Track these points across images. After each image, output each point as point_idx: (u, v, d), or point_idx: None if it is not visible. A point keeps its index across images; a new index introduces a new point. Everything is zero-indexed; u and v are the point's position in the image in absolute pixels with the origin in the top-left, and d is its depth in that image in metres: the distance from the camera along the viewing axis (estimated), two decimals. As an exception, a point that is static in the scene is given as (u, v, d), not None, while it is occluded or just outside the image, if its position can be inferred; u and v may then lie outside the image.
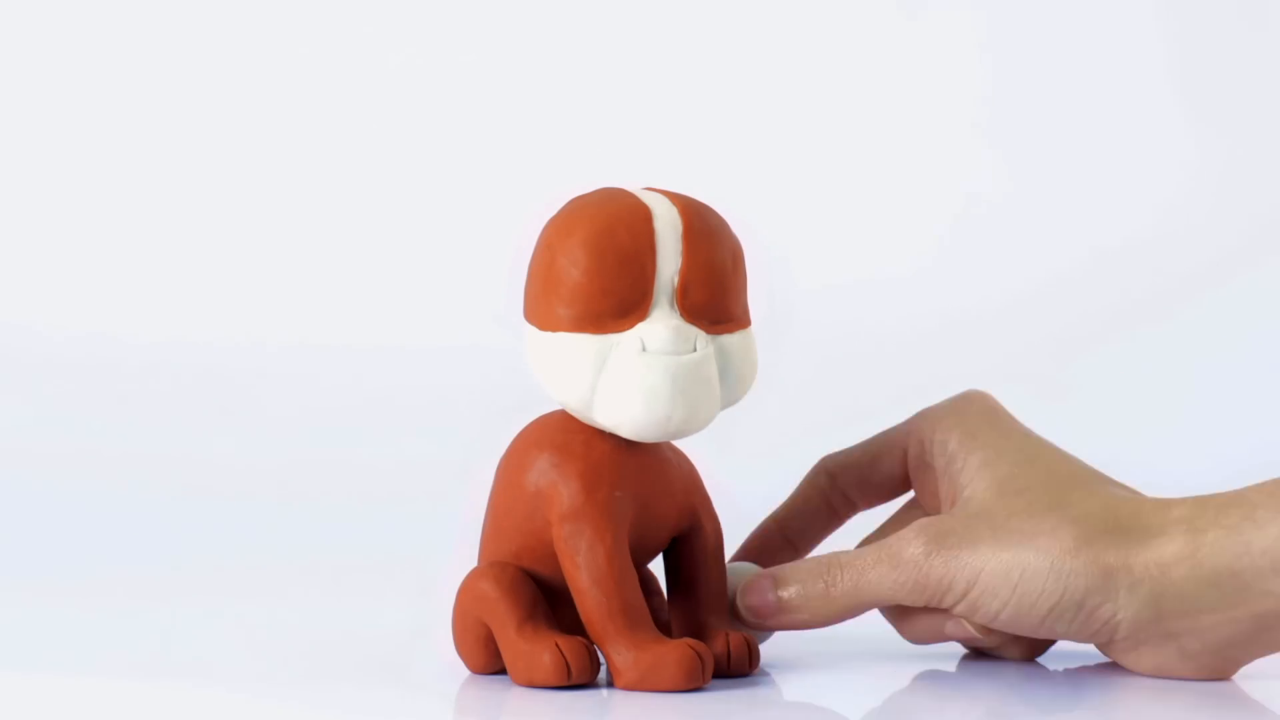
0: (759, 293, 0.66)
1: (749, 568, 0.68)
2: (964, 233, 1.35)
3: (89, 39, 1.37)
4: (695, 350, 0.63)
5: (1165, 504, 0.63)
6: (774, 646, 0.69)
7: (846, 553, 0.65)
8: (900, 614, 0.67)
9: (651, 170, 0.75)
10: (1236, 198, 1.35)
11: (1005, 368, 1.20)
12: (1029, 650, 0.67)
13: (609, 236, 0.63)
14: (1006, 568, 0.62)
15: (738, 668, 0.65)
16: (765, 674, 0.66)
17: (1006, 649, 0.67)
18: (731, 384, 0.64)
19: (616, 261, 0.63)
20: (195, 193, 1.36)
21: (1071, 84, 1.39)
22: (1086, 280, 1.33)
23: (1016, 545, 0.62)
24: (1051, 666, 0.68)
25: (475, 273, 1.13)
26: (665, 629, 0.67)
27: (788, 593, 0.65)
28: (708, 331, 0.63)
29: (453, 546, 0.72)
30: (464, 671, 0.67)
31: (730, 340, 0.64)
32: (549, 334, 0.63)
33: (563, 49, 1.39)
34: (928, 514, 0.67)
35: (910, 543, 0.63)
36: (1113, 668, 0.67)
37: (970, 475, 0.64)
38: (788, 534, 0.70)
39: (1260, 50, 1.37)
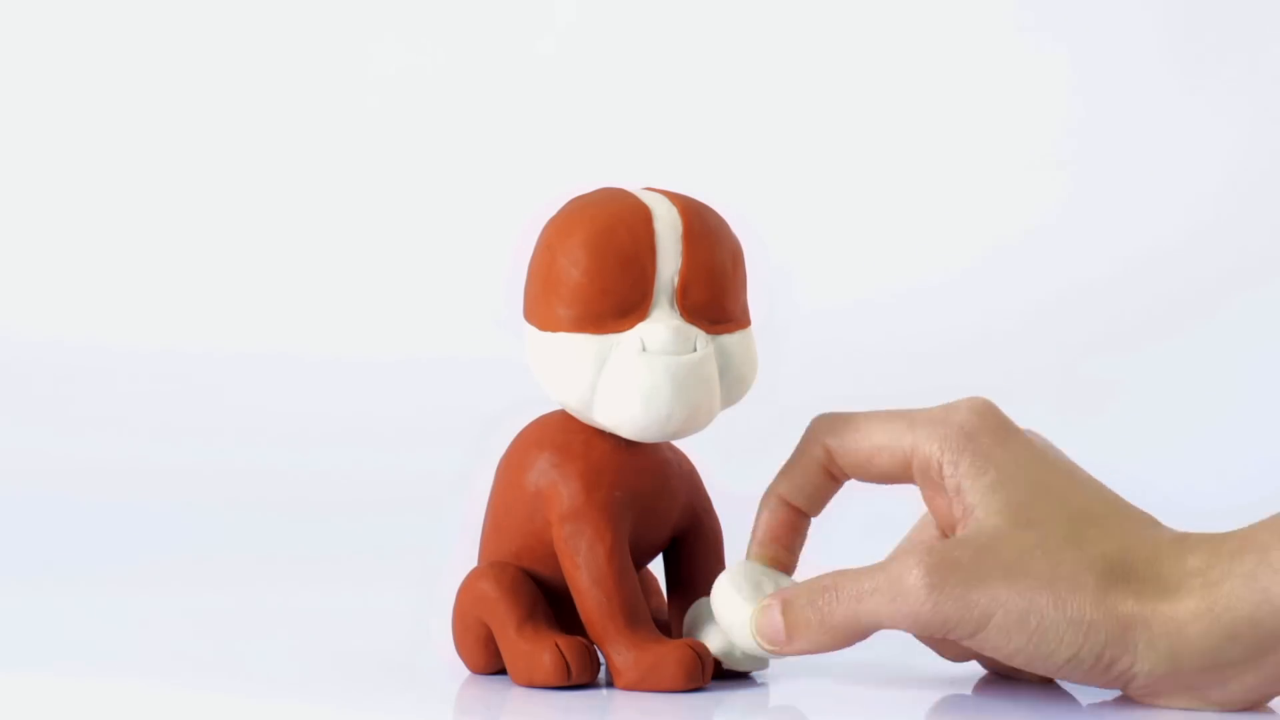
0: (759, 293, 0.66)
1: (726, 594, 0.63)
2: (974, 237, 1.35)
3: (79, 55, 1.37)
4: (695, 350, 0.63)
5: (1181, 547, 0.60)
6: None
7: (845, 576, 0.61)
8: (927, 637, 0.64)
9: (652, 170, 0.75)
10: (1270, 204, 1.35)
11: (1011, 374, 1.20)
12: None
13: (609, 237, 0.63)
14: (1022, 613, 0.58)
15: (739, 667, 0.65)
16: (765, 674, 0.66)
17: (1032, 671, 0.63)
18: (731, 384, 0.64)
19: (617, 262, 0.63)
20: (193, 200, 1.36)
21: (1092, 84, 1.39)
22: (1101, 292, 1.33)
23: (1033, 590, 0.58)
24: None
25: (475, 274, 1.13)
26: (665, 629, 0.67)
27: (791, 619, 0.62)
28: (708, 331, 0.63)
29: (453, 547, 0.72)
30: (464, 671, 0.67)
31: (730, 340, 0.64)
32: (549, 334, 0.63)
33: (574, 51, 1.39)
34: (939, 523, 0.64)
35: (911, 572, 0.59)
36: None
37: (979, 497, 0.61)
38: (798, 508, 0.65)
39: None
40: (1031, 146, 1.37)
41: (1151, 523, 0.61)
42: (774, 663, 0.66)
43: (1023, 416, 0.64)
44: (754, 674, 0.66)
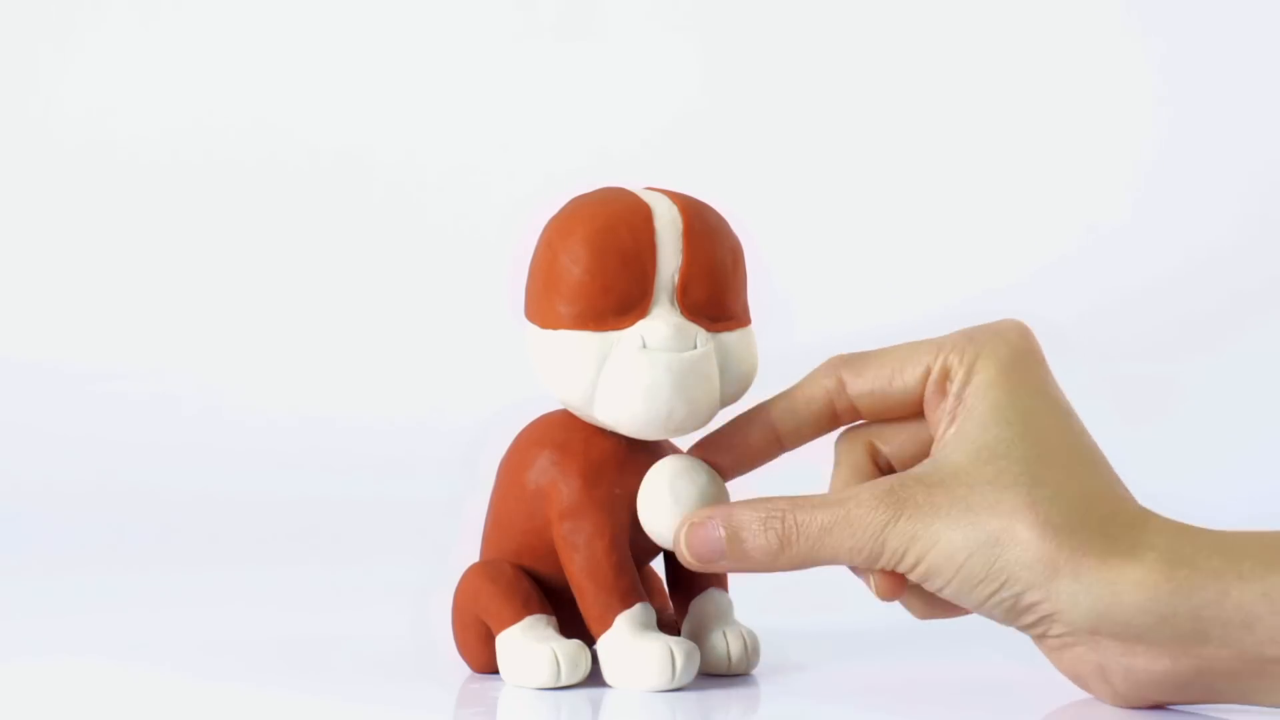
0: (760, 291, 0.66)
1: (683, 478, 0.63)
2: (974, 238, 1.34)
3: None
4: (695, 347, 0.63)
5: (1145, 517, 0.59)
6: (776, 645, 0.69)
7: (799, 507, 0.60)
8: None
9: (654, 170, 0.75)
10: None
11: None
12: (927, 613, 0.63)
13: (610, 235, 0.63)
14: (954, 547, 0.58)
15: (738, 667, 0.65)
16: (764, 673, 0.66)
17: (910, 605, 0.63)
18: (732, 381, 0.64)
19: (618, 260, 0.63)
20: (190, 203, 1.37)
21: (1100, 81, 1.38)
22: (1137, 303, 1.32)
23: (969, 524, 0.58)
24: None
25: (476, 271, 1.14)
26: (672, 627, 0.67)
27: (738, 543, 0.61)
28: (708, 329, 0.63)
29: (455, 546, 0.72)
30: (464, 670, 0.67)
31: (730, 338, 0.64)
32: (550, 332, 0.63)
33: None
34: (933, 436, 0.62)
35: (870, 510, 0.59)
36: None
37: (959, 425, 0.60)
38: (778, 430, 0.64)
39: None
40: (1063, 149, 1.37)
41: (1121, 489, 0.60)
42: (764, 661, 0.66)
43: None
44: (748, 673, 0.66)
